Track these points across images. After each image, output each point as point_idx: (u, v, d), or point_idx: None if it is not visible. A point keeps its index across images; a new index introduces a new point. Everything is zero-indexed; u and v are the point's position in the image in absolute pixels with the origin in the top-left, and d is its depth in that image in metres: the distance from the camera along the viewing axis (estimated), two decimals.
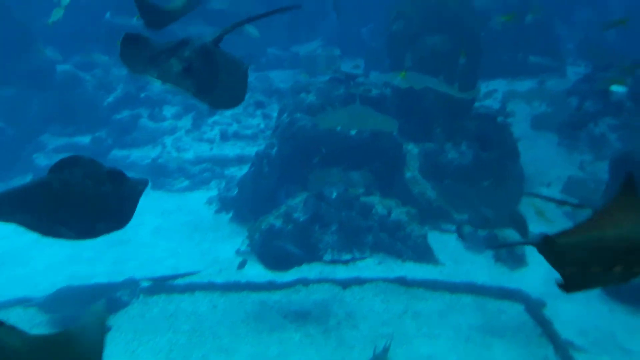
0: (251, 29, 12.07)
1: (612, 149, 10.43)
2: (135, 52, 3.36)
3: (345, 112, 8.65)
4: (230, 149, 12.09)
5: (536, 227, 8.33)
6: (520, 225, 7.35)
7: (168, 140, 12.53)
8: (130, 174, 3.43)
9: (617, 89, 7.30)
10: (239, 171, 11.06)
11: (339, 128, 8.80)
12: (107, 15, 14.75)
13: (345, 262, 8.27)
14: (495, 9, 13.40)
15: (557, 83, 13.63)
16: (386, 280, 7.91)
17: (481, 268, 8.04)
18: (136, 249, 8.95)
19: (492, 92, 12.69)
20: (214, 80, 3.34)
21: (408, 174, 9.37)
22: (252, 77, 15.03)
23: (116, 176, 3.21)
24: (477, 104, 10.05)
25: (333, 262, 8.28)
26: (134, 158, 12.11)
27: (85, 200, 3.10)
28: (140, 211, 3.32)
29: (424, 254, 8.31)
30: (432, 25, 9.56)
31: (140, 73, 3.32)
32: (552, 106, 12.16)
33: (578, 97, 11.58)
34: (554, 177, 10.04)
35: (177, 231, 9.62)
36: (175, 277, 8.11)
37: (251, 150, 11.13)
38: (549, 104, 12.18)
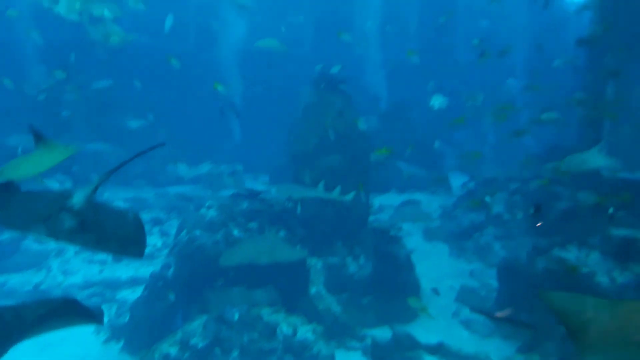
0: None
1: (497, 257, 11.25)
2: (9, 206, 3.11)
3: (252, 246, 8.62)
4: (123, 271, 11.39)
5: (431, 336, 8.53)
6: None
7: (54, 263, 11.59)
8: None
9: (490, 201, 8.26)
10: (132, 294, 10.36)
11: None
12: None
13: None
14: (379, 129, 14.76)
15: (444, 197, 14.79)
16: None
17: None
18: None
19: (384, 207, 13.46)
20: (108, 231, 3.20)
21: (313, 289, 9.31)
22: (150, 194, 14.72)
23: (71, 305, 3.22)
24: (371, 218, 10.53)
25: None
26: (12, 284, 10.95)
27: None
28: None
29: None
30: (327, 146, 10.22)
31: (22, 230, 3.08)
32: (440, 219, 13.06)
33: (462, 210, 12.59)
34: (447, 286, 10.49)
35: None
36: None
37: (146, 271, 10.54)
38: (437, 216, 13.09)
